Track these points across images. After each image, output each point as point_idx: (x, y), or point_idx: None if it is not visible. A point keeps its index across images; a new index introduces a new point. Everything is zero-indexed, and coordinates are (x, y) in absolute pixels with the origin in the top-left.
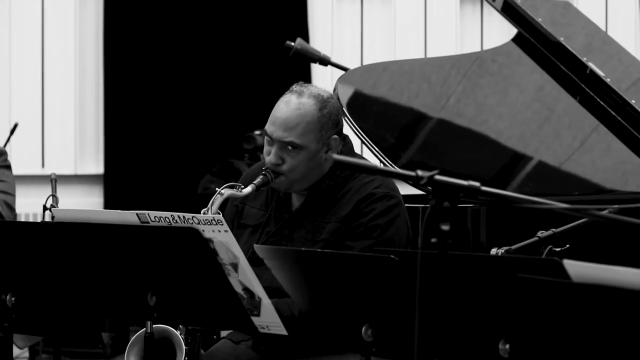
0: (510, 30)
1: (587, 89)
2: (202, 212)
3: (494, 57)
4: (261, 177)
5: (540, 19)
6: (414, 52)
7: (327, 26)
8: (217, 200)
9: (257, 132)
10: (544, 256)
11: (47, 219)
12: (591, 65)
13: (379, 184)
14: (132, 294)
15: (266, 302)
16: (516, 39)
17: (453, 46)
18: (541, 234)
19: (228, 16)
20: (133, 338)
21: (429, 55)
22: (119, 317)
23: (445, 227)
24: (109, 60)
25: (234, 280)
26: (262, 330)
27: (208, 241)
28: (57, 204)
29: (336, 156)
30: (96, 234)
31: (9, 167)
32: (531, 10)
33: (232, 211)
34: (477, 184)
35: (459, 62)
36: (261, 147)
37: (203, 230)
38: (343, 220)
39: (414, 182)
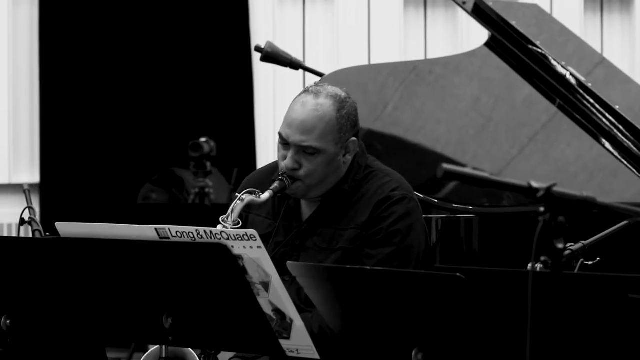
0: (455, 36)
1: (566, 93)
2: (220, 219)
3: (431, 68)
4: (278, 182)
5: (514, 22)
6: (358, 56)
7: (269, 29)
8: (237, 206)
9: (204, 140)
10: (576, 270)
11: (25, 233)
12: (571, 69)
13: (396, 185)
14: (146, 315)
15: (298, 324)
16: (489, 44)
17: (397, 50)
18: (571, 246)
19: (169, 20)
20: (144, 356)
21: (372, 59)
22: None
23: (559, 245)
24: (45, 64)
25: (263, 300)
26: (290, 354)
27: (237, 258)
28: (35, 216)
29: (446, 166)
30: (107, 251)
31: None
32: (504, 13)
33: None
34: (592, 196)
35: (396, 69)
36: (207, 155)
37: (232, 247)
38: (362, 226)
39: (527, 195)
